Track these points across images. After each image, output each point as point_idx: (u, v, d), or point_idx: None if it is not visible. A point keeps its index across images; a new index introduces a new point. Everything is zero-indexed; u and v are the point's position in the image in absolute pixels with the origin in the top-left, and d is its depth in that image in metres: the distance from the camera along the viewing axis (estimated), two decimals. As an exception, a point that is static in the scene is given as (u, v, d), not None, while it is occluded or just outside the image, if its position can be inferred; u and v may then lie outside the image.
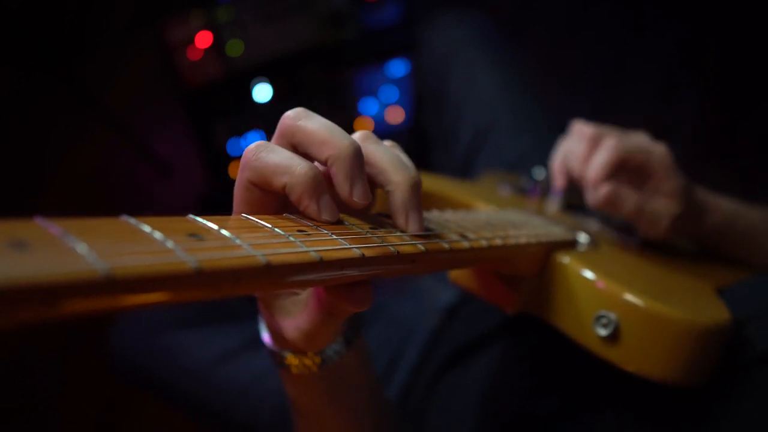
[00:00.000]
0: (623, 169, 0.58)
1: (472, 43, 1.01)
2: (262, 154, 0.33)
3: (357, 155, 0.33)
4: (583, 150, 0.60)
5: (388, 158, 0.35)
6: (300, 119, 0.34)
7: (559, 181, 0.64)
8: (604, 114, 1.58)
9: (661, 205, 0.58)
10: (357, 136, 0.36)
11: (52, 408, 1.30)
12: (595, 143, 0.59)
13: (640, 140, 0.59)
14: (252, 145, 0.34)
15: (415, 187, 0.35)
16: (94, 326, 0.84)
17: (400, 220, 0.35)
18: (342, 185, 0.33)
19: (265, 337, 0.42)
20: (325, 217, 0.32)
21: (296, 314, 0.37)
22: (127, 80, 1.54)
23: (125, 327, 0.85)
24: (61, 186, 1.46)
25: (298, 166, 0.32)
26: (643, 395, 0.51)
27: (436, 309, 0.78)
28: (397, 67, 1.37)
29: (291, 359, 0.40)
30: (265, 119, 1.33)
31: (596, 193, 0.57)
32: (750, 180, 1.50)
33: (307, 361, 0.40)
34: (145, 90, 1.53)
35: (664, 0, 1.69)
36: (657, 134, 0.61)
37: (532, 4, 1.72)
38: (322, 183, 0.32)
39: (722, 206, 0.62)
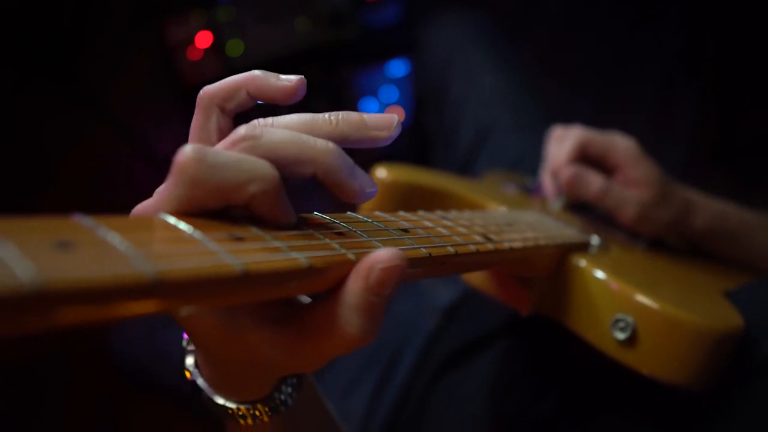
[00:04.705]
0: (589, 160, 0.59)
1: (473, 42, 1.01)
2: (210, 160, 0.25)
3: (339, 153, 0.29)
4: (553, 147, 0.62)
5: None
6: (260, 136, 0.28)
7: (548, 186, 0.64)
8: (604, 114, 1.59)
9: (630, 193, 0.58)
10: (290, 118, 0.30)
11: (53, 407, 1.30)
12: (562, 139, 0.61)
13: (606, 133, 0.60)
14: (188, 152, 0.25)
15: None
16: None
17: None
18: (346, 185, 0.29)
19: (200, 381, 0.34)
20: (289, 219, 0.28)
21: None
22: (127, 80, 1.53)
23: (126, 326, 0.85)
24: (62, 185, 1.46)
25: (262, 168, 0.26)
26: (642, 399, 0.51)
27: (435, 309, 0.78)
28: (397, 67, 1.37)
29: (238, 410, 0.34)
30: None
31: (561, 176, 0.58)
32: (749, 180, 1.50)
33: (257, 412, 0.34)
34: (145, 90, 1.53)
35: (664, 0, 1.69)
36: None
37: (532, 4, 1.71)
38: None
39: (712, 206, 0.62)
